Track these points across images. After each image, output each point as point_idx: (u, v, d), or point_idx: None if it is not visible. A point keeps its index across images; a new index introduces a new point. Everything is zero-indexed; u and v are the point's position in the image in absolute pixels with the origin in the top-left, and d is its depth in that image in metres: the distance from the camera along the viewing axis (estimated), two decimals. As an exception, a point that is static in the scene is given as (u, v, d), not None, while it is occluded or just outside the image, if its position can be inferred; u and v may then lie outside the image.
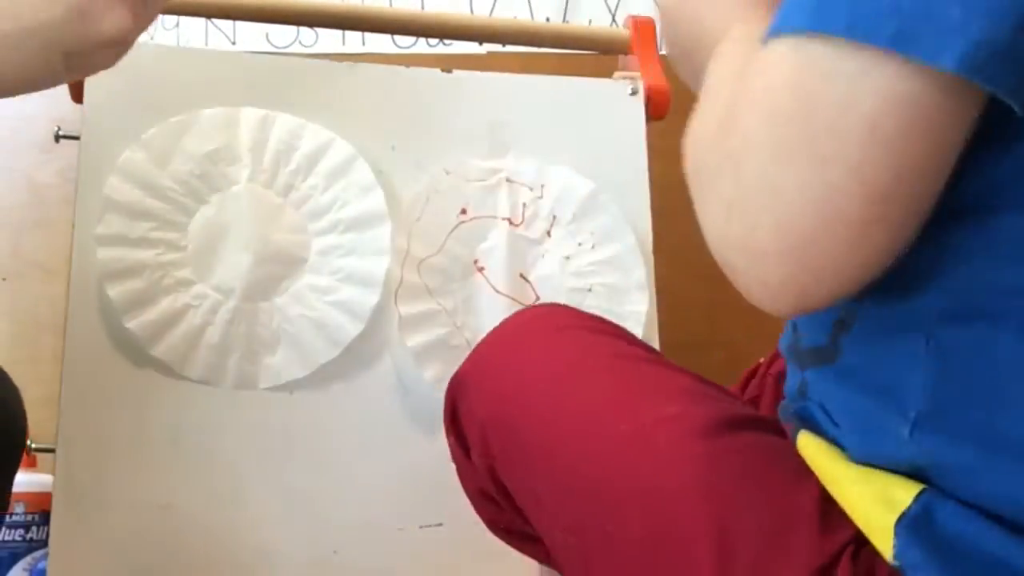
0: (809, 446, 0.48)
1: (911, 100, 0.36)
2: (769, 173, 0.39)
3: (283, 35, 1.31)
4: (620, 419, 0.53)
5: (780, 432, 0.52)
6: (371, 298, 0.84)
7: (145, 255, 0.80)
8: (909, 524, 0.42)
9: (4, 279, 1.32)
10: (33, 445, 0.88)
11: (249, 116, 0.85)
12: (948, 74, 0.35)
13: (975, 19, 0.35)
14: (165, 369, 0.80)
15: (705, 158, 0.44)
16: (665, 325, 0.93)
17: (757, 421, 0.54)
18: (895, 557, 0.42)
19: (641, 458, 0.51)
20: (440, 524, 0.84)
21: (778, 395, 0.74)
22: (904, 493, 0.43)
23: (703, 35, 0.53)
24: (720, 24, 0.51)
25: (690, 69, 0.56)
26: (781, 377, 0.75)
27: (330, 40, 1.31)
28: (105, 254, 0.79)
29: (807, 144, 0.38)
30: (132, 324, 0.79)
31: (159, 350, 0.79)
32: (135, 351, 0.80)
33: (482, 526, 0.85)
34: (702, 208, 0.44)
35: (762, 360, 0.81)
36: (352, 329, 0.83)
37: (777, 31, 0.40)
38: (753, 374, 0.78)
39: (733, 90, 0.43)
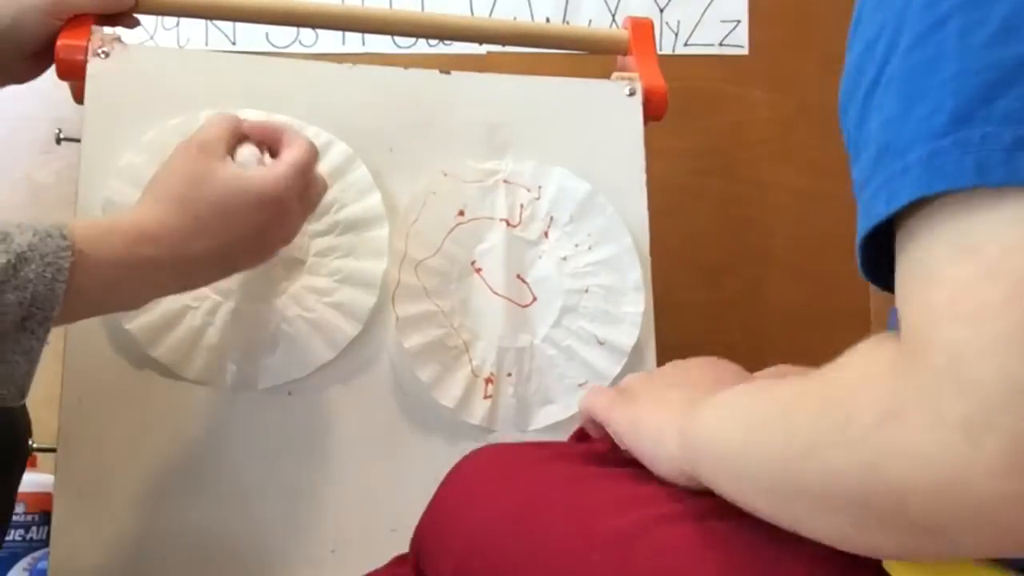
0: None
1: None
2: (1010, 368, 0.32)
3: (283, 35, 1.31)
4: (592, 544, 0.50)
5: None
6: (369, 300, 0.84)
7: None
8: None
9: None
10: (34, 445, 0.88)
11: (247, 118, 0.85)
12: None
13: None
14: (164, 370, 0.80)
15: (878, 408, 0.35)
16: (664, 326, 0.93)
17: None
18: None
19: (629, 561, 0.48)
20: (438, 524, 0.85)
21: None
22: None
23: (664, 440, 0.51)
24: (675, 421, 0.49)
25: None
26: None
27: (330, 40, 1.31)
28: None
29: None
30: (132, 326, 0.79)
31: (159, 351, 0.80)
32: (135, 352, 0.80)
33: (480, 526, 0.85)
34: (909, 461, 0.34)
35: None
36: (350, 330, 0.84)
37: (886, 218, 0.36)
38: None
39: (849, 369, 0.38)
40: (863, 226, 0.38)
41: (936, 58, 0.36)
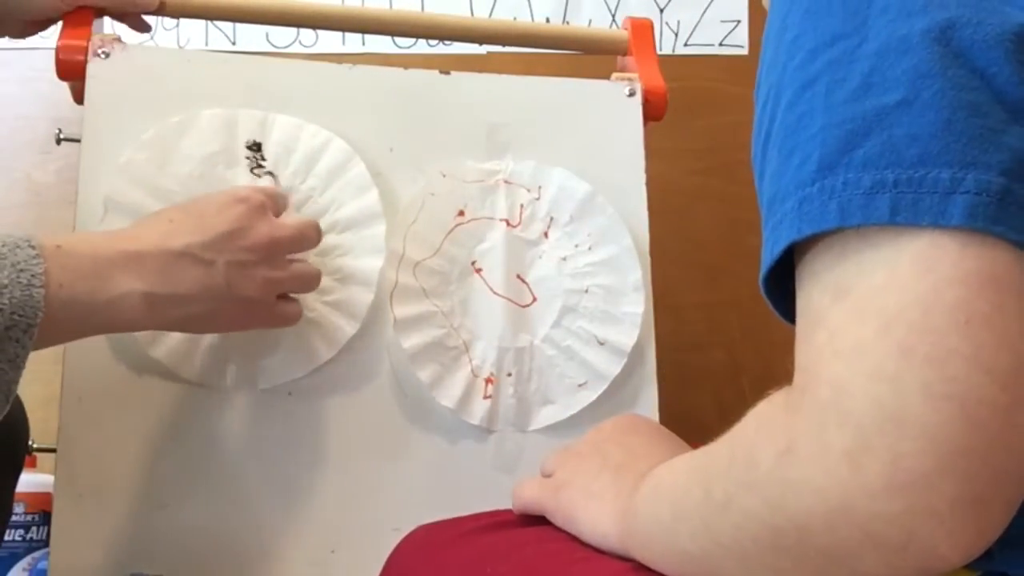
0: None
1: (975, 269, 0.35)
2: (887, 399, 0.35)
3: (283, 35, 1.32)
4: None
5: None
6: (366, 297, 0.84)
7: None
8: None
9: None
10: (35, 445, 0.88)
11: (248, 118, 0.85)
12: (961, 230, 0.35)
13: (965, 173, 0.36)
14: (165, 370, 0.80)
15: (798, 428, 0.38)
16: (664, 326, 0.93)
17: None
18: None
19: None
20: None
21: None
22: None
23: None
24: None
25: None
26: None
27: (330, 40, 1.31)
28: None
29: (910, 352, 0.35)
30: (132, 325, 0.79)
31: (159, 351, 0.80)
32: (135, 352, 0.80)
33: (480, 526, 0.85)
34: (804, 491, 0.37)
35: None
36: (349, 329, 0.84)
37: (765, 281, 0.41)
38: None
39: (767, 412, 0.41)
40: (761, 273, 0.42)
41: (807, 114, 0.40)
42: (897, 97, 0.37)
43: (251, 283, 0.70)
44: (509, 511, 0.63)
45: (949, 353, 0.34)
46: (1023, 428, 0.35)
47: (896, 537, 0.35)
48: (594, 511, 0.54)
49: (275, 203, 0.75)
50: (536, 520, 0.60)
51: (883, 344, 0.35)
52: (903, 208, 0.36)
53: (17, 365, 0.57)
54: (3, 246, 0.58)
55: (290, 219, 0.75)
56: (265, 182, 0.83)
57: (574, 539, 0.55)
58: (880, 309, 0.36)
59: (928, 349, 0.35)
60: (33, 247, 0.59)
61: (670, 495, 0.47)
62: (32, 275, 0.57)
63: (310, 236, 0.76)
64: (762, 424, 0.41)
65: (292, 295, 0.77)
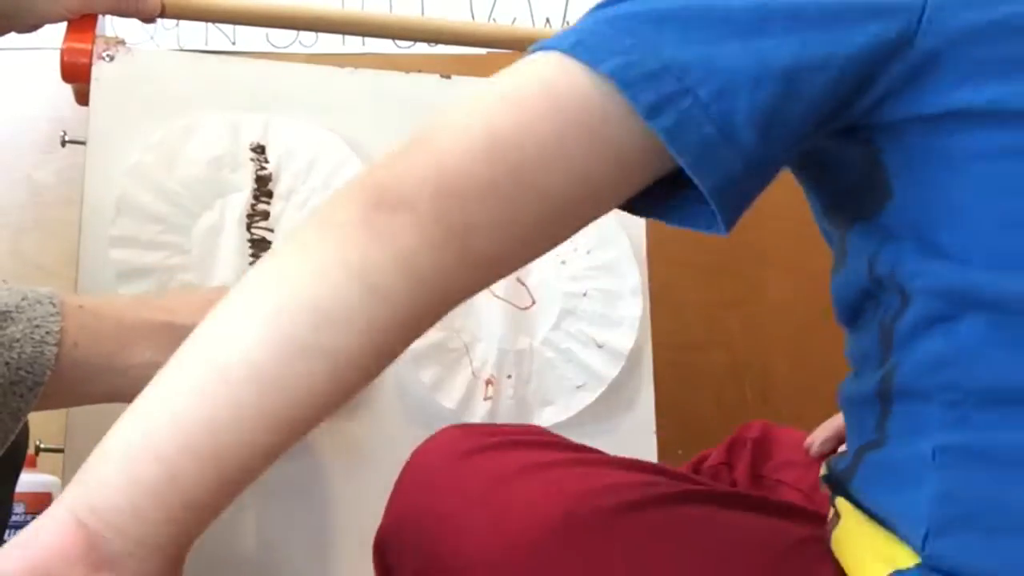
0: (843, 505, 0.49)
1: (552, 82, 0.44)
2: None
3: (283, 36, 1.32)
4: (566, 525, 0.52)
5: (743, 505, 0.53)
6: None
7: (154, 258, 0.81)
8: None
9: (4, 280, 1.33)
10: (41, 445, 0.89)
11: (251, 121, 0.86)
12: (594, 75, 0.42)
13: (636, 49, 0.42)
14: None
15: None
16: (664, 327, 0.94)
17: (710, 496, 0.54)
18: None
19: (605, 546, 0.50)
20: (438, 524, 0.85)
21: (754, 462, 0.75)
22: (907, 559, 0.43)
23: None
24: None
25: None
26: (756, 443, 0.76)
27: (330, 41, 1.32)
28: (118, 255, 0.80)
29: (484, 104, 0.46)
30: (137, 327, 0.80)
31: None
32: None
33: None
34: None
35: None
36: None
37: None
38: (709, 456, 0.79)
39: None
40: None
41: None
42: None
43: None
44: (538, 428, 0.65)
45: (455, 121, 0.46)
46: (506, 198, 0.43)
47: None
48: None
49: None
50: (563, 443, 0.61)
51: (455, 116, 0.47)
52: (581, 47, 0.44)
53: (18, 418, 0.56)
54: (23, 300, 0.57)
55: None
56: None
57: (600, 463, 0.57)
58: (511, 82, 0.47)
59: (455, 115, 0.46)
60: (54, 304, 0.58)
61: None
62: (47, 332, 0.56)
63: None
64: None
65: None
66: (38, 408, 0.58)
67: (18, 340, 0.55)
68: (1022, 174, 0.43)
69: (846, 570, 0.47)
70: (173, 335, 0.63)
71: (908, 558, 0.43)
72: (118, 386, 0.61)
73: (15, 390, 0.55)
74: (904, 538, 0.43)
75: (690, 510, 0.51)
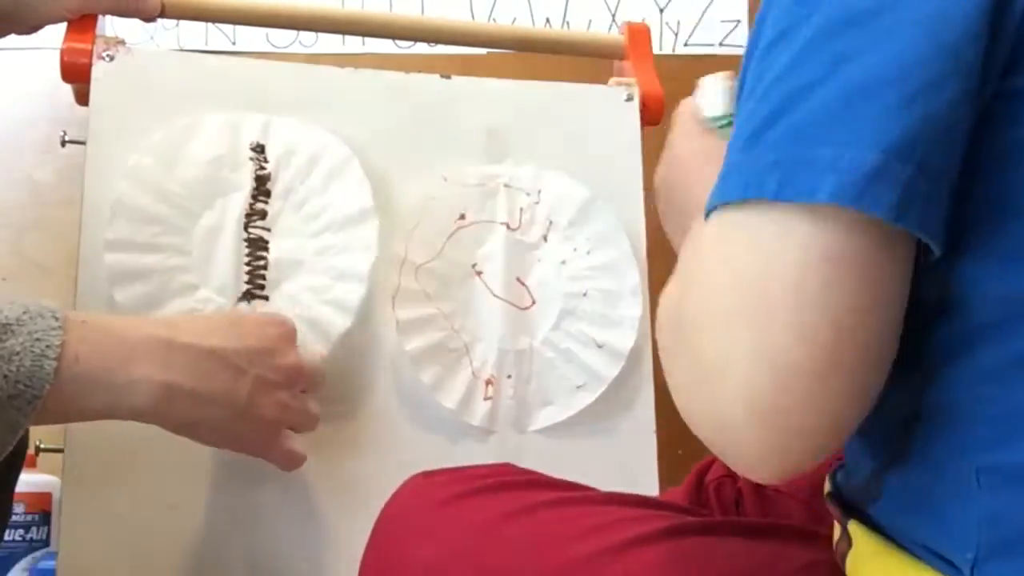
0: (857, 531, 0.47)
1: (818, 247, 0.38)
2: (722, 346, 0.40)
3: (283, 36, 1.32)
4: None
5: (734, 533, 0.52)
6: (358, 291, 0.84)
7: (152, 259, 0.81)
8: None
9: (4, 279, 1.33)
10: (41, 445, 0.89)
11: (251, 121, 0.86)
12: (830, 207, 0.38)
13: (843, 152, 0.37)
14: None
15: (666, 338, 0.46)
16: (662, 327, 0.94)
17: (702, 527, 0.53)
18: None
19: None
20: (438, 524, 0.85)
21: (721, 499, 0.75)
22: None
23: (689, 206, 0.54)
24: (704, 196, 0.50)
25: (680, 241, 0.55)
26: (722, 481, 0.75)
27: (330, 41, 1.32)
28: (113, 259, 0.80)
29: (746, 314, 0.40)
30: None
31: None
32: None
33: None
34: (672, 385, 0.45)
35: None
36: (341, 324, 0.84)
37: (707, 214, 0.43)
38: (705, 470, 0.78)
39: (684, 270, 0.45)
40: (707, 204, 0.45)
41: (756, 81, 0.43)
42: (810, 78, 0.39)
43: (269, 403, 0.69)
44: (509, 467, 0.63)
45: (773, 322, 0.39)
46: (835, 391, 0.39)
47: (714, 449, 0.43)
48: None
49: (294, 337, 0.74)
50: (541, 481, 0.60)
51: (729, 299, 0.40)
52: (786, 185, 0.39)
53: (15, 431, 0.56)
54: (25, 313, 0.57)
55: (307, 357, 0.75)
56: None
57: (584, 502, 0.56)
58: (737, 270, 0.40)
59: (758, 314, 0.39)
60: (56, 318, 0.58)
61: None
62: (47, 346, 0.56)
63: (320, 379, 0.76)
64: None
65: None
66: (36, 422, 0.58)
67: (18, 353, 0.55)
68: None
69: None
70: (173, 352, 0.63)
71: None
72: (118, 401, 0.62)
73: (13, 403, 0.55)
74: (944, 567, 0.41)
75: (688, 543, 0.50)
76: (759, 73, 0.42)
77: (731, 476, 0.76)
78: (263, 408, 0.69)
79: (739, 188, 0.41)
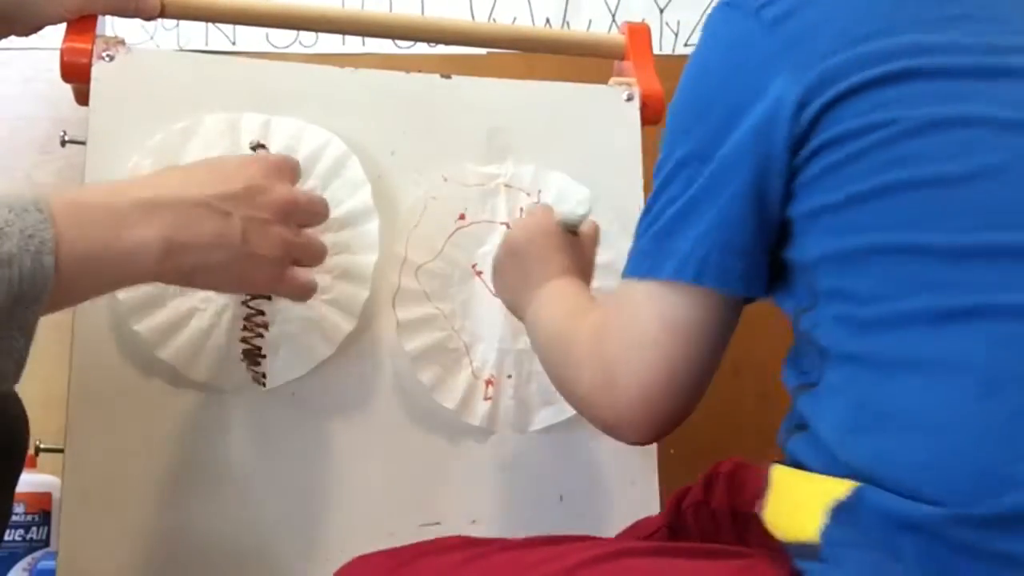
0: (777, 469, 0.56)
1: (661, 305, 0.59)
2: (608, 367, 0.62)
3: (283, 36, 1.32)
4: None
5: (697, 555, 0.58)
6: (361, 294, 0.85)
7: None
8: (838, 507, 0.48)
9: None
10: (41, 445, 0.89)
11: (250, 121, 0.86)
12: (669, 281, 0.58)
13: (692, 247, 0.57)
14: (172, 371, 0.81)
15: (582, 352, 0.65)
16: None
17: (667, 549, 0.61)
18: (820, 535, 0.49)
19: None
20: (438, 523, 0.85)
21: (730, 496, 0.79)
22: (842, 488, 0.49)
23: (539, 276, 0.76)
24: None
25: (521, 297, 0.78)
26: (728, 477, 0.80)
27: (330, 41, 1.32)
28: None
29: (634, 343, 0.61)
30: (140, 327, 0.80)
31: (166, 353, 0.80)
32: (142, 354, 0.81)
33: (478, 524, 0.86)
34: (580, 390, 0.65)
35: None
36: (345, 326, 0.84)
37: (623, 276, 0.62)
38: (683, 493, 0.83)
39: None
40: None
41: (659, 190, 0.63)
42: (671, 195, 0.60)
43: (265, 240, 0.69)
44: (450, 538, 0.67)
45: (630, 361, 0.60)
46: (685, 388, 0.60)
47: (603, 426, 0.64)
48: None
49: (291, 170, 0.74)
50: (486, 540, 0.65)
51: (618, 338, 0.61)
52: (652, 267, 0.59)
53: (28, 332, 0.56)
54: (10, 212, 0.56)
55: (303, 189, 0.74)
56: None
57: (535, 544, 0.63)
58: (624, 320, 0.61)
59: (625, 354, 0.60)
60: (40, 210, 0.57)
61: (540, 335, 0.74)
62: (41, 241, 0.56)
63: (321, 210, 0.75)
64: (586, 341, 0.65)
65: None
66: (48, 312, 0.57)
67: (15, 255, 0.55)
68: None
69: (784, 536, 0.52)
70: (160, 209, 0.63)
71: (842, 487, 0.49)
72: (121, 270, 0.62)
73: (22, 303, 0.55)
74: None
75: (633, 562, 0.57)
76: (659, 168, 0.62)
77: (705, 501, 0.79)
78: (261, 247, 0.69)
79: (632, 266, 0.61)
